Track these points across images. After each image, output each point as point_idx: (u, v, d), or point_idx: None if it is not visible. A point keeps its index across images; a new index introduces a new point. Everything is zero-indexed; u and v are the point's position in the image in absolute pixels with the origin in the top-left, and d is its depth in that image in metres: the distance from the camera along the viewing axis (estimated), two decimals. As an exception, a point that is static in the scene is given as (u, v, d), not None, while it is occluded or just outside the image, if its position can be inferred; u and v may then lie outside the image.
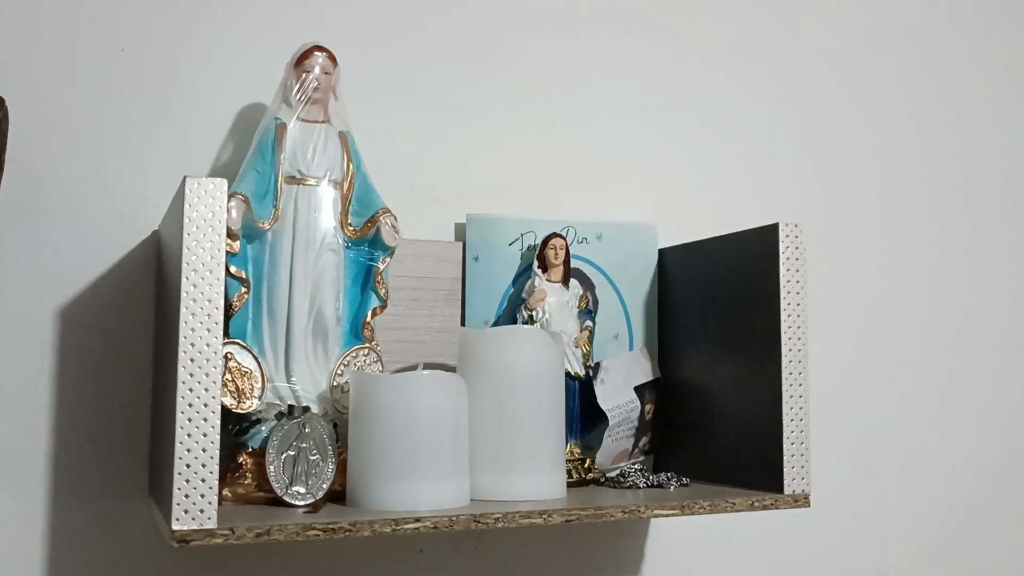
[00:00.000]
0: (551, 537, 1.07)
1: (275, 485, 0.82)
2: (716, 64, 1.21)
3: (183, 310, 0.70)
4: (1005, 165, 1.39)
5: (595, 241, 1.06)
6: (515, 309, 1.01)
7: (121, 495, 0.91)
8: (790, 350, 0.90)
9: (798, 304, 0.90)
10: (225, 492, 0.84)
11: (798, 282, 0.91)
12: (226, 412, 0.84)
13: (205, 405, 0.70)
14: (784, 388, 0.89)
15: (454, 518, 0.77)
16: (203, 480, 0.70)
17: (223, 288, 0.72)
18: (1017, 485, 1.34)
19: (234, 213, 0.83)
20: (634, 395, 1.03)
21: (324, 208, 0.88)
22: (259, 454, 0.85)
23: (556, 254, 1.01)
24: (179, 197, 0.73)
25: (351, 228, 0.90)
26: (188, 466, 0.69)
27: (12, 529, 0.88)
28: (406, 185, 1.04)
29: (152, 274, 0.94)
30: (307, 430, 0.84)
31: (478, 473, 0.85)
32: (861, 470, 1.25)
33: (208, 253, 0.71)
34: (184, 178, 0.71)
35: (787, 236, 0.91)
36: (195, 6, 0.98)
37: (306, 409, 0.85)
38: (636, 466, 1.00)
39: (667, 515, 0.85)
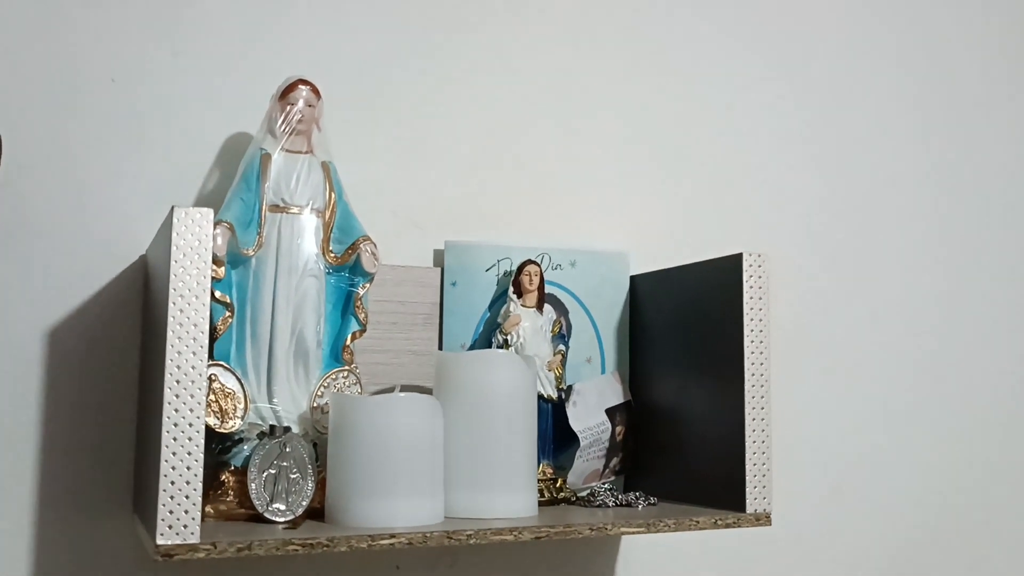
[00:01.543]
0: (524, 556, 1.10)
1: (256, 502, 0.85)
2: (688, 96, 1.26)
3: (169, 333, 0.73)
4: (969, 194, 1.44)
5: (569, 268, 1.10)
6: (491, 333, 1.05)
7: (105, 512, 0.94)
8: (752, 375, 0.94)
9: (761, 331, 0.94)
10: (208, 509, 0.86)
11: (761, 309, 0.95)
12: (209, 432, 0.87)
13: (190, 425, 0.73)
14: (747, 411, 0.93)
15: (428, 534, 0.80)
16: (187, 497, 0.73)
17: (208, 313, 0.75)
18: (980, 506, 1.38)
19: (219, 240, 0.86)
20: (605, 417, 1.06)
21: (306, 235, 0.92)
22: (241, 472, 0.87)
23: (531, 280, 1.04)
24: (167, 225, 0.77)
25: (332, 255, 0.93)
26: (172, 483, 0.72)
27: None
28: (387, 213, 1.08)
29: (139, 297, 0.97)
30: (288, 449, 0.87)
31: (453, 492, 0.89)
32: (825, 491, 1.29)
33: (194, 279, 0.74)
34: (172, 207, 0.75)
35: (750, 265, 0.95)
36: (183, 39, 1.01)
37: (287, 429, 0.88)
38: (606, 486, 1.03)
39: (634, 532, 0.89)
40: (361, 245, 0.93)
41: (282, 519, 0.85)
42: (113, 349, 0.96)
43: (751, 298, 0.94)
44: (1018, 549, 1.40)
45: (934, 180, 1.42)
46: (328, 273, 0.94)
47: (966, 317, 1.42)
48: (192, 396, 0.73)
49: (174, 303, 0.74)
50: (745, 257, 0.95)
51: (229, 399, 0.88)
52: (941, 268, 1.41)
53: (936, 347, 1.39)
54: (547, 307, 1.06)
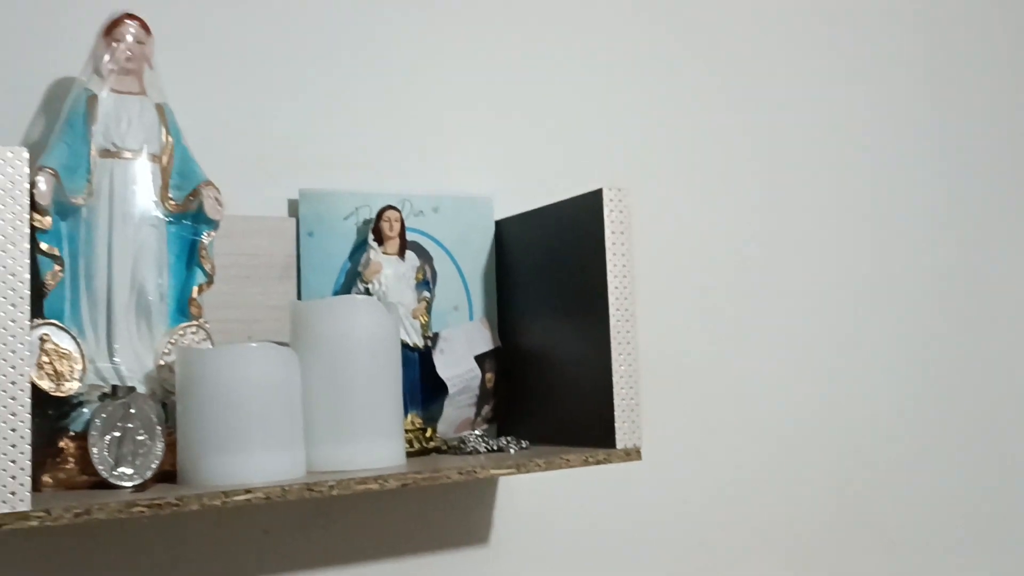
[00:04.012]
0: (398, 511, 1.06)
1: (99, 467, 0.79)
2: (544, 35, 1.23)
3: (-16, 285, 0.67)
4: (822, 126, 1.46)
5: (432, 214, 1.07)
6: (352, 284, 1.00)
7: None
8: (617, 309, 0.93)
9: (624, 265, 0.93)
10: (46, 479, 0.80)
11: (623, 244, 0.93)
12: (46, 397, 0.81)
13: (12, 383, 0.67)
14: (613, 346, 0.92)
15: (287, 487, 0.76)
16: (13, 461, 0.66)
17: (28, 261, 0.69)
18: (847, 434, 1.42)
19: (43, 186, 0.79)
20: (474, 364, 1.04)
21: (142, 182, 0.86)
22: (81, 437, 0.81)
23: (391, 226, 1.01)
24: (-23, 168, 0.70)
25: (172, 202, 0.88)
26: (-5, 447, 0.66)
27: None
28: (234, 160, 1.02)
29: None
30: (132, 410, 0.81)
31: (315, 446, 0.85)
32: (697, 427, 1.29)
33: (9, 224, 0.68)
34: (-20, 147, 0.68)
35: (611, 200, 0.94)
36: (-2, -23, 0.93)
37: (131, 389, 0.83)
38: (477, 433, 1.01)
39: (504, 473, 0.86)
40: (203, 190, 0.88)
41: (129, 483, 0.79)
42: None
43: (613, 232, 0.93)
44: (887, 478, 1.44)
45: (798, 107, 1.43)
46: (169, 222, 0.88)
47: (832, 243, 1.43)
48: (13, 352, 0.67)
49: (-12, 251, 0.67)
50: (606, 192, 0.93)
51: (64, 360, 0.82)
52: (806, 193, 1.42)
53: (797, 276, 1.39)
54: (409, 254, 1.02)
